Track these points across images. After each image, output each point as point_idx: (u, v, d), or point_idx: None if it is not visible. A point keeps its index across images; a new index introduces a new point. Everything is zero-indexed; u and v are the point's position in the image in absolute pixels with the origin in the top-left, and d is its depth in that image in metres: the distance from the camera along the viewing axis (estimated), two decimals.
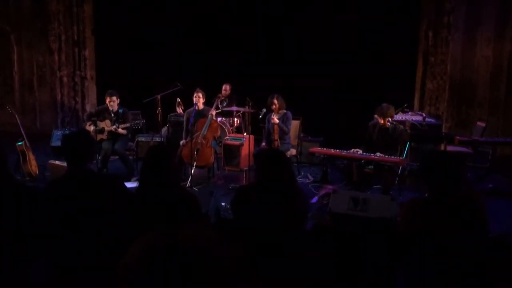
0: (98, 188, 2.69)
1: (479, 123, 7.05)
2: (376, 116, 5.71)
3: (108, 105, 6.45)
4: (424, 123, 6.28)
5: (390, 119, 5.56)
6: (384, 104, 5.61)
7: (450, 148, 6.32)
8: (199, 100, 6.47)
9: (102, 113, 6.53)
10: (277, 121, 6.26)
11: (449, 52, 7.99)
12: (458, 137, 6.15)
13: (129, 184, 5.87)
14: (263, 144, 6.53)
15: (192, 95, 6.59)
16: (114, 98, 6.44)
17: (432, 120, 6.92)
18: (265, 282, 2.17)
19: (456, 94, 8.18)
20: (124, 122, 6.47)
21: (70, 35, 9.20)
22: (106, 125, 6.44)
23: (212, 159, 6.27)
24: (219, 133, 6.60)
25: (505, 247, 2.47)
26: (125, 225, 2.52)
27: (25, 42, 9.39)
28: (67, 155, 2.74)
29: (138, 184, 2.81)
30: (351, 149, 5.68)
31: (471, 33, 7.98)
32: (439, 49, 8.01)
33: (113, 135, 6.43)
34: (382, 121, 5.58)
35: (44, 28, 9.24)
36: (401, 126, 5.81)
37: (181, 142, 6.45)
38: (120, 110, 6.52)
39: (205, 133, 6.26)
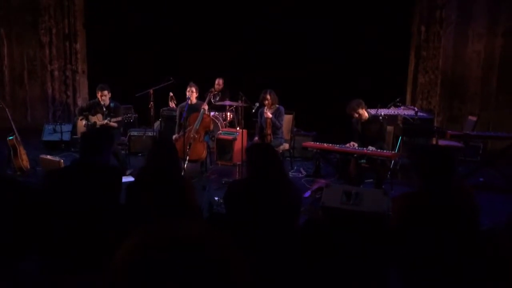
0: (95, 179, 2.70)
1: (470, 117, 7.10)
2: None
3: (100, 99, 6.39)
4: (416, 117, 6.31)
5: (359, 112, 5.64)
6: (352, 101, 5.70)
7: (441, 142, 6.37)
8: (192, 94, 6.45)
9: (93, 107, 6.48)
10: (270, 115, 6.26)
11: (441, 46, 8.03)
12: (450, 131, 6.19)
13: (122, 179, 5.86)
14: (256, 138, 6.53)
15: (185, 89, 6.56)
16: (106, 92, 6.38)
17: (424, 114, 6.95)
18: (259, 278, 2.18)
19: (448, 89, 8.22)
20: (115, 116, 6.42)
21: (61, 29, 9.11)
22: (98, 119, 6.39)
23: (204, 153, 6.25)
24: (211, 127, 6.58)
25: (495, 240, 2.49)
26: (121, 218, 2.52)
27: (15, 35, 9.29)
28: (81, 146, 2.87)
29: (136, 177, 2.83)
30: (347, 143, 5.72)
31: (463, 28, 8.01)
32: (431, 44, 8.05)
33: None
34: (356, 116, 5.66)
35: (35, 21, 9.14)
36: (377, 115, 5.88)
37: (174, 137, 6.43)
38: (112, 104, 6.47)
39: (197, 127, 6.24)
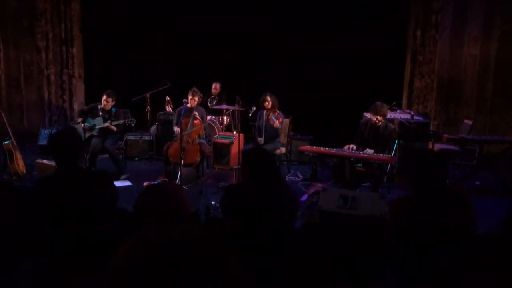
0: (88, 185, 2.68)
1: (466, 121, 7.12)
2: (369, 113, 5.77)
3: (102, 103, 6.43)
4: (413, 121, 6.33)
5: (379, 117, 5.60)
6: (378, 103, 5.66)
7: (438, 146, 6.39)
8: (194, 103, 6.41)
9: (93, 110, 6.52)
10: (278, 124, 6.30)
11: (437, 51, 8.06)
12: (446, 135, 6.21)
13: (118, 183, 5.85)
14: (260, 139, 6.48)
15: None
16: (110, 99, 6.44)
17: (420, 118, 6.98)
18: (255, 280, 2.17)
19: (444, 93, 8.26)
20: (115, 121, 6.47)
21: (58, 33, 9.10)
22: (97, 121, 6.43)
23: (198, 157, 6.25)
24: (202, 132, 6.54)
25: (492, 244, 2.50)
26: (115, 223, 2.51)
27: (11, 40, 9.27)
28: (55, 154, 2.73)
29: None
30: (344, 145, 5.72)
31: (459, 32, 8.06)
32: (427, 48, 8.08)
33: (103, 132, 6.41)
34: (374, 119, 5.62)
35: (31, 26, 9.13)
36: (392, 125, 5.86)
37: (175, 129, 6.37)
38: (113, 109, 6.52)
39: (189, 132, 6.24)
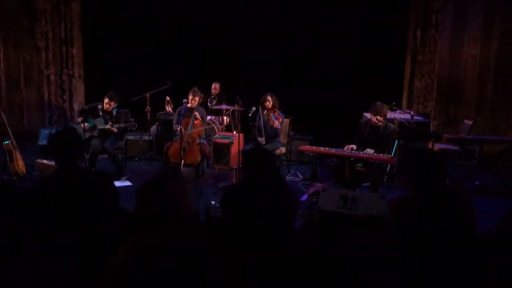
0: (88, 185, 2.68)
1: (466, 121, 7.12)
2: (369, 113, 5.77)
3: (104, 106, 6.42)
4: (412, 121, 6.34)
5: (379, 118, 5.61)
6: (378, 103, 5.67)
7: (438, 145, 6.39)
8: (195, 103, 6.42)
9: (94, 110, 6.51)
10: (278, 125, 6.31)
11: (437, 51, 8.06)
12: (446, 135, 6.21)
13: (118, 183, 5.85)
14: (261, 139, 6.48)
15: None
16: (112, 102, 6.43)
17: (420, 118, 6.98)
18: (255, 279, 2.18)
19: (444, 93, 8.26)
20: (117, 122, 6.46)
21: (58, 33, 9.11)
22: (98, 122, 6.42)
23: (198, 157, 6.25)
24: (202, 132, 6.55)
25: (492, 244, 2.50)
26: (115, 222, 2.51)
27: (11, 40, 9.27)
28: (55, 154, 2.73)
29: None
30: (345, 146, 5.73)
31: (459, 32, 8.06)
32: (427, 48, 8.08)
33: (103, 133, 6.40)
34: (374, 119, 5.62)
35: (31, 26, 9.13)
36: (392, 125, 5.86)
37: (175, 127, 6.38)
38: (115, 110, 6.51)
39: (190, 132, 6.24)
